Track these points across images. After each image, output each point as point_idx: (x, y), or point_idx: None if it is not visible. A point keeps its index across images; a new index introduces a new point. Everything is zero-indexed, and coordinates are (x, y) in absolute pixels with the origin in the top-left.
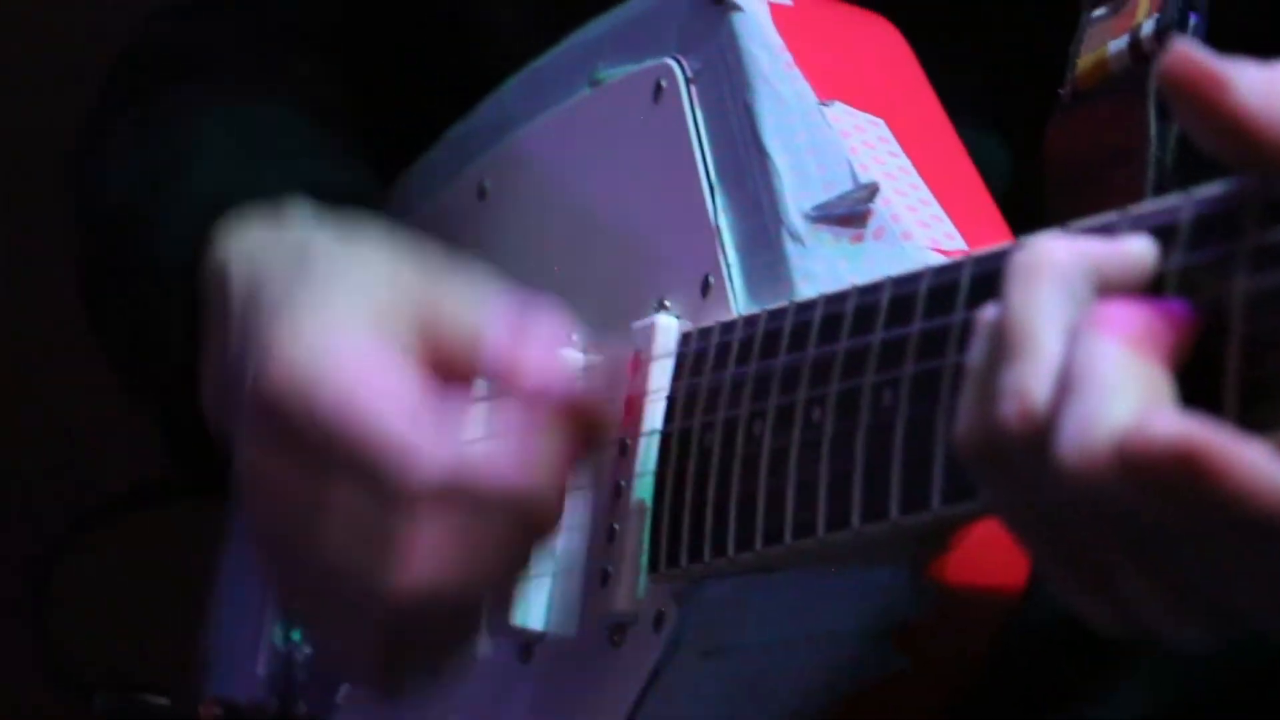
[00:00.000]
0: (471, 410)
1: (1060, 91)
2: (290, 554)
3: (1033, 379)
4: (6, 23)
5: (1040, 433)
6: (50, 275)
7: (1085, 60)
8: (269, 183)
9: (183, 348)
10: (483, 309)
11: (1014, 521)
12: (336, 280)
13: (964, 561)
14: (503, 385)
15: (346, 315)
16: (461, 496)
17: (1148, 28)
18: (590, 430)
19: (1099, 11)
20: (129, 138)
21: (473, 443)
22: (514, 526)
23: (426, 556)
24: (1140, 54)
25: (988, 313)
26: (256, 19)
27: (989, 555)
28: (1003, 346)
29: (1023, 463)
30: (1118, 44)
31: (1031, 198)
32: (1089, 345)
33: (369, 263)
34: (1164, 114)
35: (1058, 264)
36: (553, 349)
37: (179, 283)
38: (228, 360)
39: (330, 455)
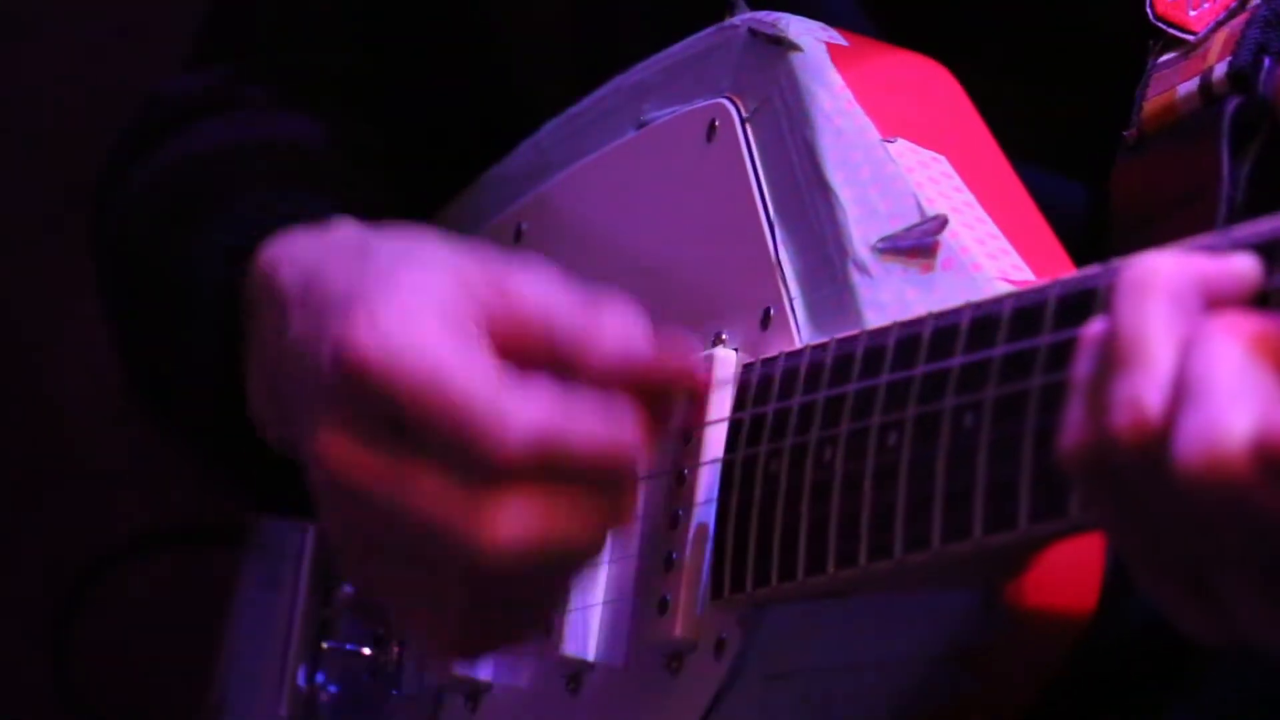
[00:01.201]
0: (547, 386)
1: (1125, 134)
2: (375, 530)
3: (1146, 389)
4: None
5: (1155, 442)
6: (77, 314)
7: (1153, 104)
8: (310, 204)
9: (223, 359)
10: (550, 292)
11: (1120, 533)
12: (404, 270)
13: (1035, 584)
14: (578, 358)
15: (420, 300)
16: (550, 460)
17: (1220, 71)
18: (668, 397)
19: (1166, 57)
20: (157, 172)
21: (558, 405)
22: (600, 491)
23: (517, 522)
24: (1211, 96)
25: (1094, 327)
26: (288, 61)
27: (1060, 578)
28: (1114, 359)
29: (1136, 473)
30: (1187, 87)
31: (1104, 239)
32: (1206, 352)
33: (432, 253)
34: (1237, 151)
35: (1167, 278)
36: (627, 321)
37: (220, 295)
38: (282, 354)
39: (419, 426)
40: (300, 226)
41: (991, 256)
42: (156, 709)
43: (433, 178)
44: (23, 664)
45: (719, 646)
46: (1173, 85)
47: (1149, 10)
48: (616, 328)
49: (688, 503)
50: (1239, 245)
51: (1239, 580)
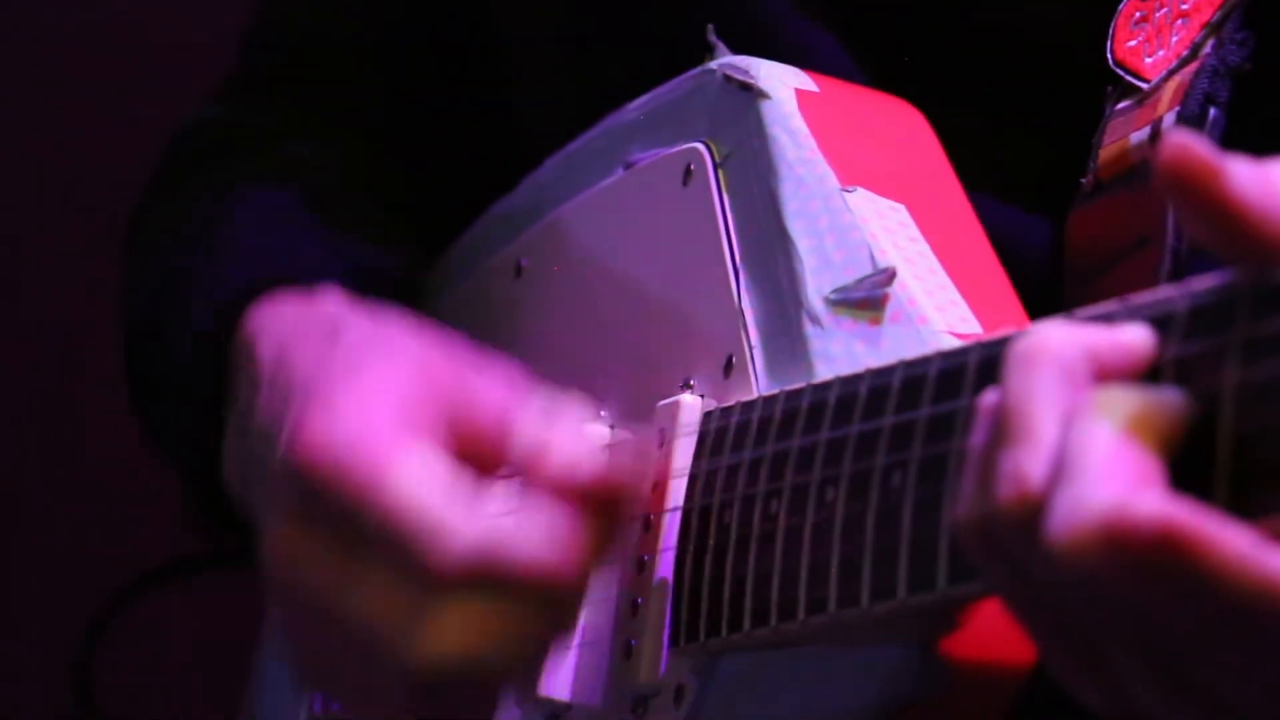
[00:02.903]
0: (499, 493)
1: (1082, 181)
2: (316, 626)
3: (1029, 463)
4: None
5: (1035, 516)
6: (100, 340)
7: (1108, 151)
8: (302, 261)
9: (205, 420)
10: (510, 397)
11: (1012, 603)
12: (368, 361)
13: (973, 638)
14: (531, 470)
15: (378, 396)
16: (489, 576)
17: (1169, 120)
18: (616, 514)
19: (1123, 103)
20: (172, 216)
21: (502, 521)
22: (539, 607)
23: (454, 633)
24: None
25: (988, 398)
26: (302, 99)
27: (998, 632)
28: (1002, 432)
29: (1019, 546)
30: (1139, 135)
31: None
32: (1083, 429)
33: (399, 346)
34: None
35: (1056, 351)
36: (580, 434)
37: (206, 357)
38: (252, 431)
39: (361, 531)
40: (289, 290)
41: (940, 309)
42: None
43: (443, 210)
44: (48, 690)
45: (678, 693)
46: (1126, 133)
47: (1109, 55)
48: (568, 442)
49: (652, 549)
50: (1135, 315)
51: (1128, 657)
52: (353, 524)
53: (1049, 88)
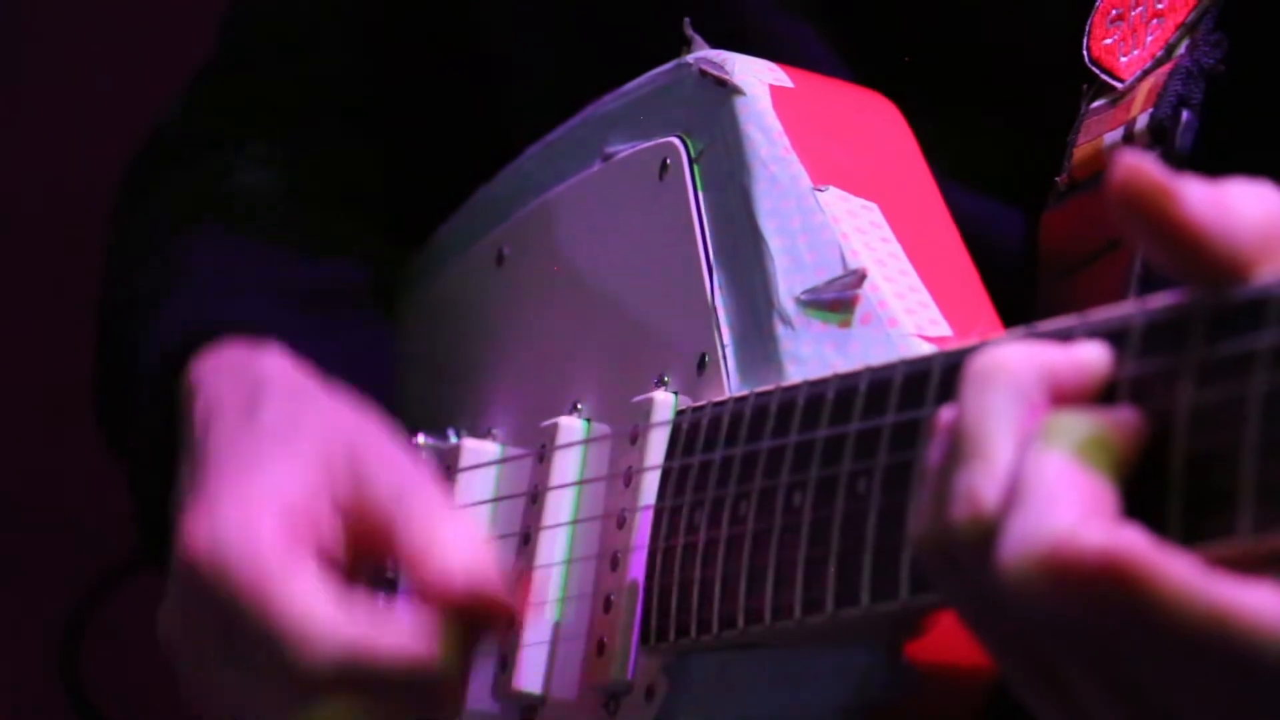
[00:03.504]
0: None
1: (1056, 180)
2: (206, 692)
3: (983, 483)
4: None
5: (988, 536)
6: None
7: (1082, 150)
8: (251, 298)
9: (152, 456)
10: (405, 494)
11: (967, 619)
12: (268, 458)
13: (939, 642)
14: (410, 567)
15: (266, 500)
16: (358, 675)
17: (1142, 121)
18: (485, 620)
19: (1098, 102)
20: (136, 232)
21: (370, 619)
22: (409, 697)
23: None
24: (1134, 146)
25: (945, 414)
26: (275, 90)
27: (963, 636)
28: (957, 449)
29: (972, 566)
30: (1113, 136)
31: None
32: (1036, 453)
33: (305, 438)
34: None
35: (1012, 369)
36: (464, 546)
37: (156, 399)
38: (182, 486)
39: (239, 626)
40: (231, 340)
41: (910, 311)
42: (175, 712)
43: (421, 199)
44: (36, 676)
45: (649, 692)
46: (1101, 133)
47: (1085, 53)
48: (450, 548)
49: (625, 546)
50: (1092, 332)
51: (1083, 677)
52: (231, 620)
53: (1025, 83)
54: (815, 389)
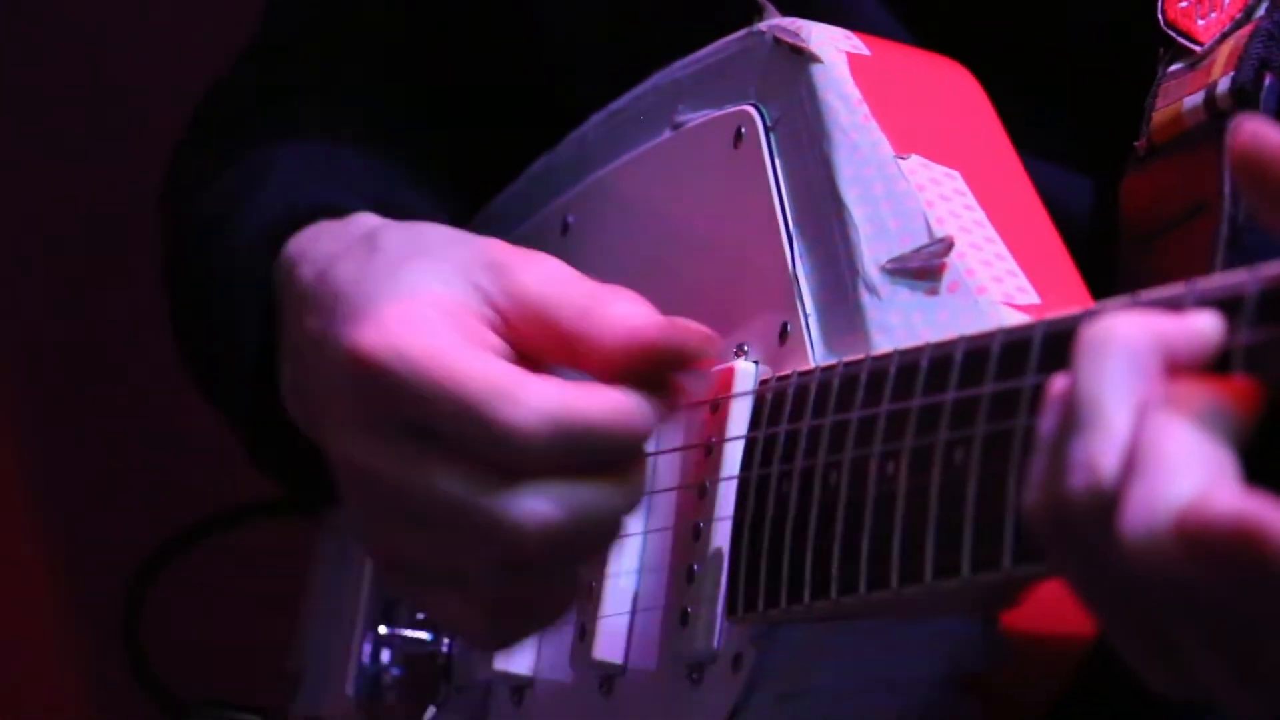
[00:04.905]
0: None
1: (1135, 145)
2: (399, 523)
3: (1101, 454)
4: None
5: (1108, 507)
6: (148, 299)
7: (1161, 115)
8: (339, 197)
9: (259, 350)
10: (554, 280)
11: (1081, 588)
12: (408, 262)
13: (1034, 611)
14: (584, 347)
15: (424, 295)
16: (567, 436)
17: (1223, 85)
18: (680, 371)
19: (1175, 66)
20: (211, 169)
21: (572, 383)
22: (616, 468)
23: (540, 499)
24: (1215, 111)
25: (1058, 384)
26: (332, 58)
27: (1059, 605)
28: (1072, 419)
29: (1090, 534)
30: (1193, 100)
31: (1112, 248)
32: (1155, 423)
33: (437, 246)
34: None
35: (1126, 340)
36: (631, 307)
37: (252, 286)
38: (303, 350)
39: (435, 419)
40: (324, 218)
41: (997, 279)
42: (236, 679)
43: (480, 166)
44: (98, 647)
45: (736, 661)
46: (1180, 97)
47: (1159, 16)
48: (622, 315)
49: (708, 517)
50: (1203, 300)
51: (1199, 642)
52: (426, 415)
53: (1095, 47)
54: (907, 358)
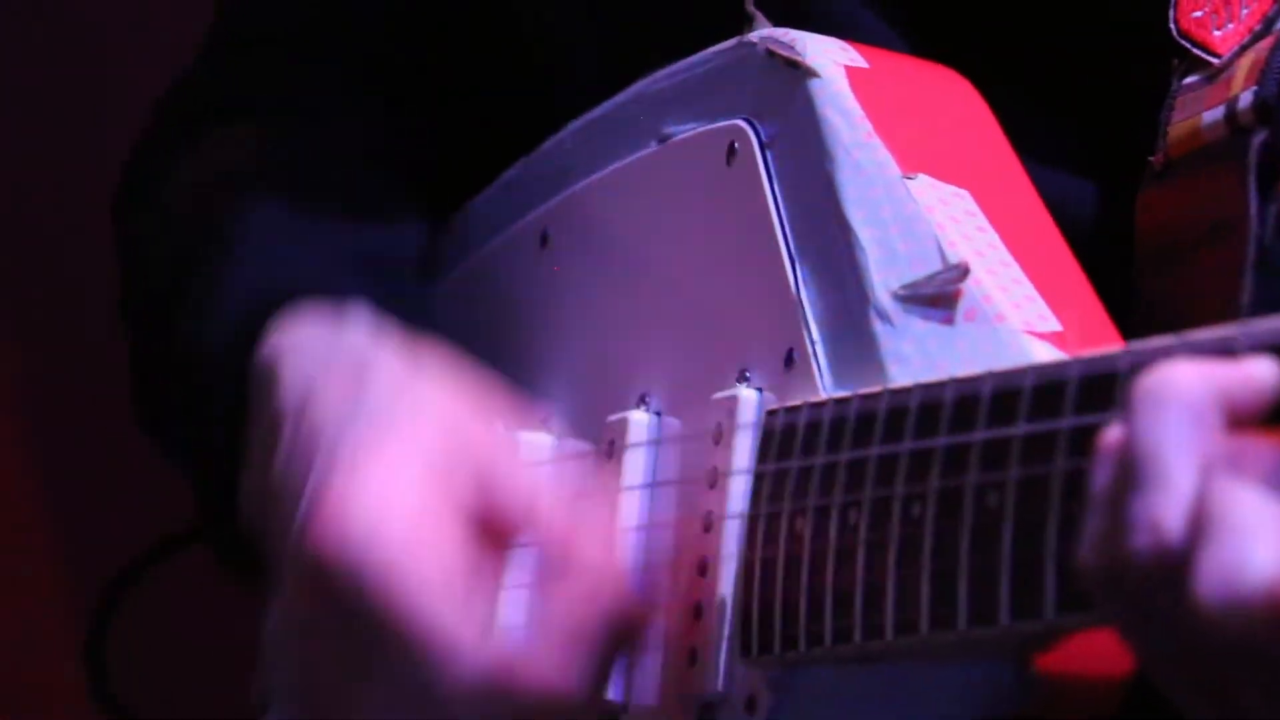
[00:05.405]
0: (513, 572)
1: (1151, 159)
2: (320, 704)
3: (1165, 513)
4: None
5: (1174, 569)
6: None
7: (1178, 129)
8: (318, 263)
9: (225, 440)
10: (537, 474)
11: (1137, 643)
12: (396, 420)
13: (1068, 653)
14: (553, 558)
15: (402, 466)
16: (500, 696)
17: (1245, 100)
18: (634, 633)
19: (1191, 78)
20: (177, 185)
21: (514, 639)
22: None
23: None
24: (1237, 126)
25: (1111, 435)
26: (307, 55)
27: (1094, 645)
28: (1131, 475)
29: (1155, 595)
30: (1213, 115)
31: (1116, 250)
32: (1225, 486)
33: (429, 401)
34: (1265, 189)
35: (1185, 391)
36: (608, 535)
37: (225, 375)
38: (273, 470)
39: (373, 634)
40: (307, 310)
41: (1016, 306)
42: (197, 706)
43: (450, 170)
44: (59, 668)
45: (750, 704)
46: (1198, 111)
47: (1172, 26)
48: (594, 575)
49: (714, 552)
50: (1258, 345)
51: (1261, 697)
52: (364, 625)
53: (1103, 56)
54: (930, 393)
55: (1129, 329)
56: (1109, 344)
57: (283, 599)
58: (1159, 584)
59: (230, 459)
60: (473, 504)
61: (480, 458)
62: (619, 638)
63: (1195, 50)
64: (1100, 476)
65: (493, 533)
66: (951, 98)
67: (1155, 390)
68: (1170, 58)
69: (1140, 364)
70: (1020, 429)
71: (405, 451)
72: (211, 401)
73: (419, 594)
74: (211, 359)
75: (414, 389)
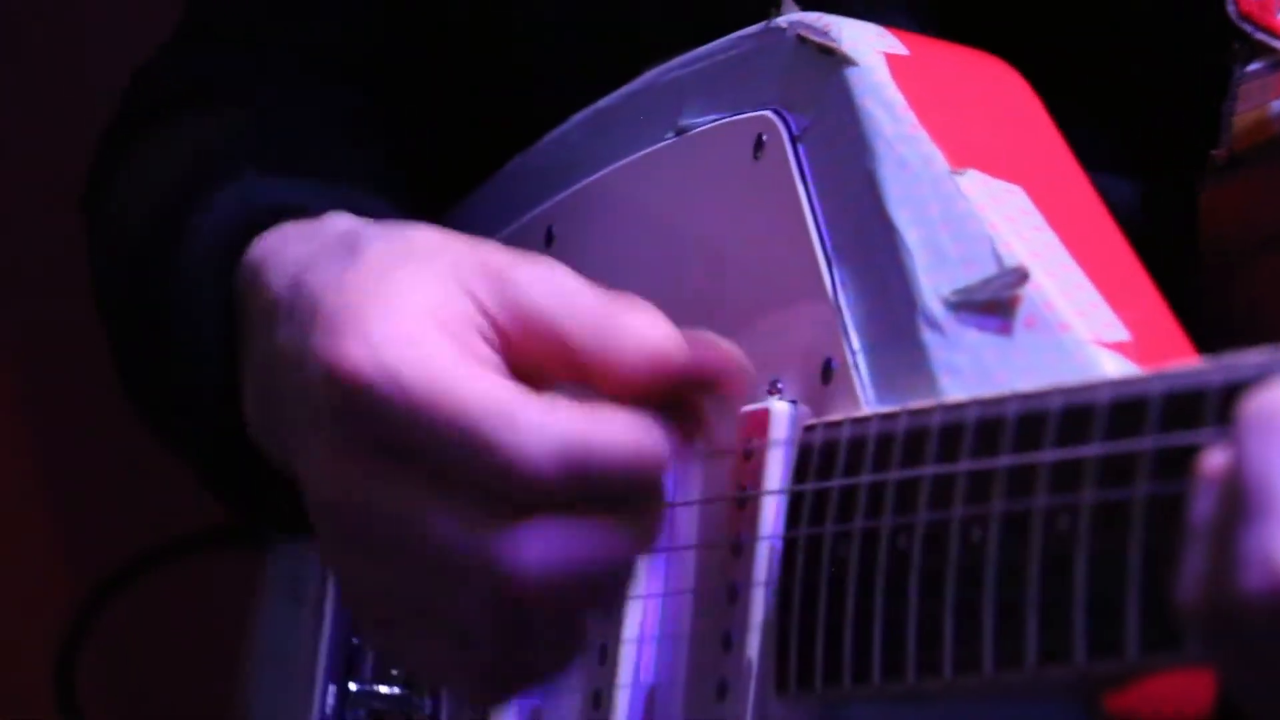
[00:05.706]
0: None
1: (1214, 153)
2: (384, 564)
3: None
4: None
5: None
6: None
7: (1243, 120)
8: (299, 193)
9: (219, 363)
10: (561, 289)
11: (1245, 690)
12: (399, 267)
13: (1143, 690)
14: (596, 366)
15: (416, 306)
16: (575, 476)
17: None
18: (698, 402)
19: (1255, 65)
20: (151, 162)
21: (582, 412)
22: (627, 510)
23: (543, 541)
24: None
25: (1214, 461)
26: (287, 41)
27: (1170, 682)
28: (1241, 506)
29: (1270, 636)
30: None
31: (1160, 252)
32: None
33: (427, 250)
34: None
35: None
36: (649, 321)
37: (211, 294)
38: (271, 366)
39: (428, 448)
40: (288, 220)
41: (1081, 313)
42: None
43: (437, 165)
44: (28, 689)
45: None
46: (1265, 100)
47: (1231, 7)
48: (641, 333)
49: (745, 579)
50: None
51: None
52: (414, 434)
53: (1153, 42)
54: (989, 409)
55: (1196, 340)
56: (1182, 356)
57: (318, 462)
58: (1273, 626)
59: (228, 383)
60: (496, 329)
61: (493, 284)
62: (690, 412)
63: (1258, 35)
64: (1202, 506)
65: (522, 360)
66: (999, 87)
67: (1265, 413)
68: (1226, 43)
69: (1236, 381)
70: (1095, 449)
71: (417, 282)
72: (200, 324)
73: (471, 384)
74: (195, 284)
75: (411, 243)
